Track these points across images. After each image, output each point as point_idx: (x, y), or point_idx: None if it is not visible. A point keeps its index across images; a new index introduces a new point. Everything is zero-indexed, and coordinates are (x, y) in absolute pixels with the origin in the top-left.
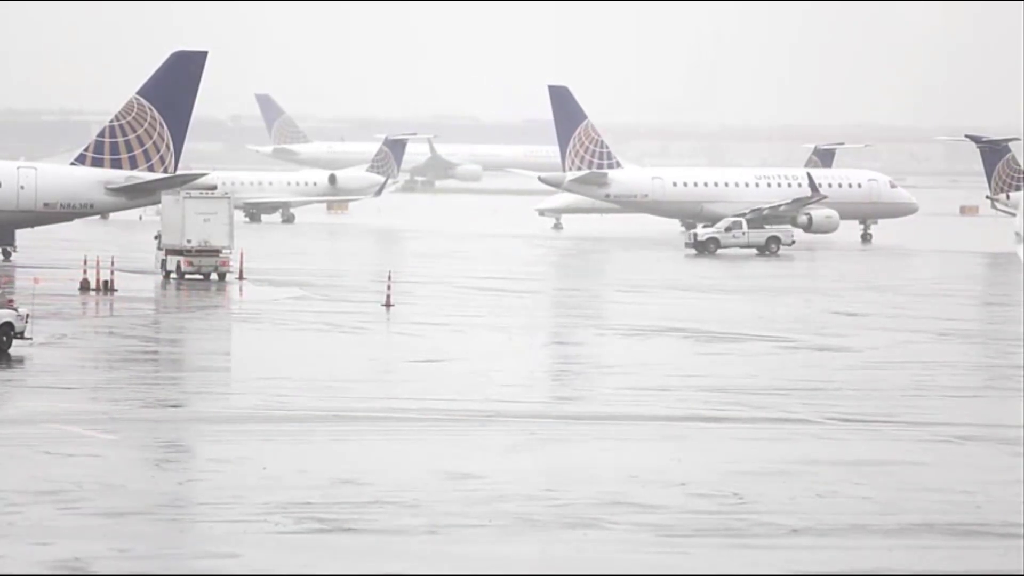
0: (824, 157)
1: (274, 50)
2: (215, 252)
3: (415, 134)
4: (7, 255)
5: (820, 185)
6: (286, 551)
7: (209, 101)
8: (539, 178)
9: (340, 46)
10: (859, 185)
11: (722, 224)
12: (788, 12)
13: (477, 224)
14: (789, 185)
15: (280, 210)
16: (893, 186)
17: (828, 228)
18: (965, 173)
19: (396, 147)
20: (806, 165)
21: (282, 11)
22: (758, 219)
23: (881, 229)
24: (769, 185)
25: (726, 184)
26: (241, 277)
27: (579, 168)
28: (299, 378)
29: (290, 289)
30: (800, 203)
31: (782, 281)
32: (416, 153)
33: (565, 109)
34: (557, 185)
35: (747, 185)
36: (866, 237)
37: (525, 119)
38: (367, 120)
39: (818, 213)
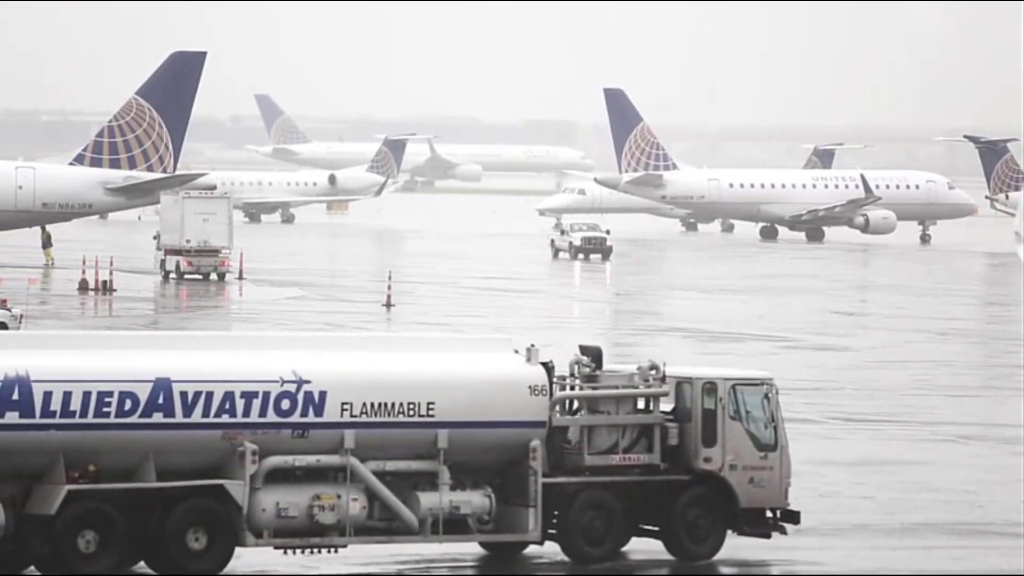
0: (824, 157)
1: (274, 50)
2: (214, 252)
3: (415, 134)
4: None
5: (877, 187)
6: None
7: (209, 101)
8: (595, 179)
9: (340, 46)
10: (917, 186)
11: None
12: (788, 12)
13: (477, 224)
14: (846, 187)
15: (280, 210)
16: (951, 187)
17: (885, 229)
18: (964, 173)
19: (396, 147)
20: (806, 166)
21: (282, 11)
22: (814, 220)
23: (940, 230)
24: (826, 187)
25: (783, 186)
26: (241, 277)
27: (635, 170)
28: None
29: (290, 289)
30: (855, 204)
31: (783, 281)
32: (416, 153)
33: (621, 111)
34: (613, 187)
35: (803, 187)
36: (925, 238)
37: (525, 119)
38: (367, 120)
39: (875, 214)
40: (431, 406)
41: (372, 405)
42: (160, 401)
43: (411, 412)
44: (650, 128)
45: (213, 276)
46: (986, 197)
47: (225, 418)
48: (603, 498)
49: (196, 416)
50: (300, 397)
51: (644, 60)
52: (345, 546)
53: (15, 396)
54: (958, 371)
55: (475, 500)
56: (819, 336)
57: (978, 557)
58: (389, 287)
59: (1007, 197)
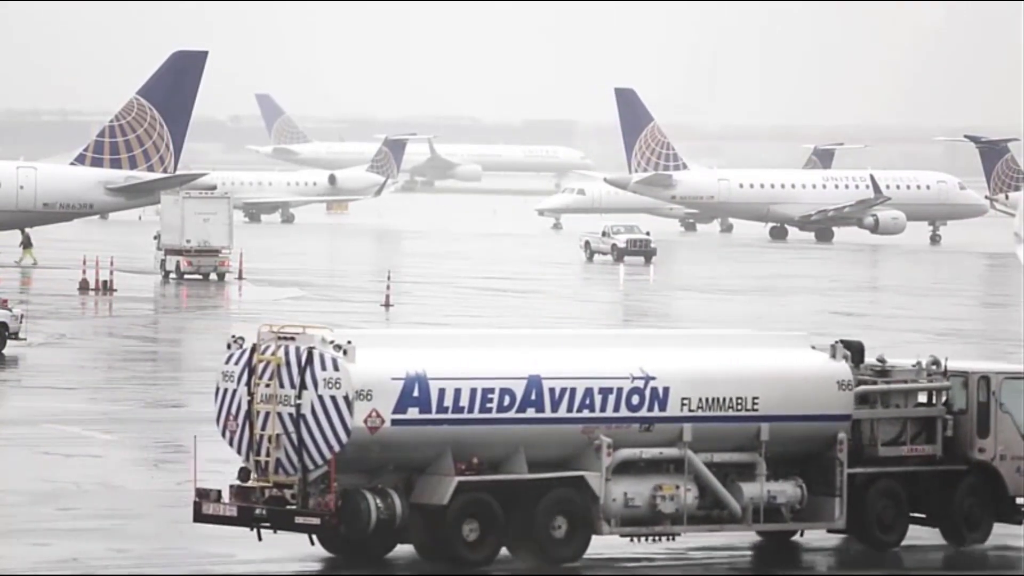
0: (824, 157)
1: (274, 50)
2: (214, 252)
3: (415, 134)
4: None
5: (887, 187)
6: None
7: (209, 101)
8: (605, 179)
9: (340, 46)
10: (928, 187)
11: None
12: (788, 12)
13: (477, 224)
14: (856, 187)
15: (280, 210)
16: (962, 188)
17: (895, 230)
18: (964, 173)
19: (396, 147)
20: (805, 165)
21: (282, 11)
22: (823, 220)
23: (949, 230)
24: (836, 187)
25: (793, 186)
26: (241, 277)
27: (644, 170)
28: None
29: (290, 289)
30: (865, 204)
31: (785, 281)
32: (416, 153)
33: (631, 111)
34: (623, 187)
35: (814, 187)
36: (935, 239)
37: (525, 119)
38: (367, 120)
39: (884, 215)
40: (755, 401)
41: (707, 400)
42: (532, 397)
43: (739, 406)
44: (660, 128)
45: (213, 276)
46: (986, 197)
47: (585, 413)
48: (893, 487)
49: (561, 411)
50: (647, 393)
51: (644, 60)
52: (680, 534)
53: (416, 393)
54: None
55: (788, 490)
56: (818, 336)
57: (978, 557)
58: (388, 287)
59: (1007, 197)
